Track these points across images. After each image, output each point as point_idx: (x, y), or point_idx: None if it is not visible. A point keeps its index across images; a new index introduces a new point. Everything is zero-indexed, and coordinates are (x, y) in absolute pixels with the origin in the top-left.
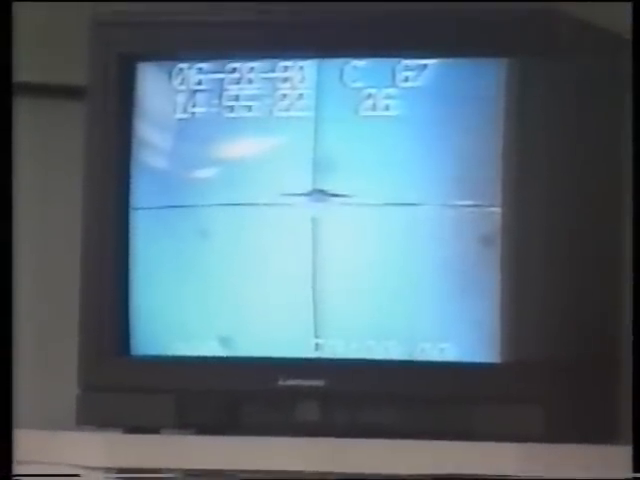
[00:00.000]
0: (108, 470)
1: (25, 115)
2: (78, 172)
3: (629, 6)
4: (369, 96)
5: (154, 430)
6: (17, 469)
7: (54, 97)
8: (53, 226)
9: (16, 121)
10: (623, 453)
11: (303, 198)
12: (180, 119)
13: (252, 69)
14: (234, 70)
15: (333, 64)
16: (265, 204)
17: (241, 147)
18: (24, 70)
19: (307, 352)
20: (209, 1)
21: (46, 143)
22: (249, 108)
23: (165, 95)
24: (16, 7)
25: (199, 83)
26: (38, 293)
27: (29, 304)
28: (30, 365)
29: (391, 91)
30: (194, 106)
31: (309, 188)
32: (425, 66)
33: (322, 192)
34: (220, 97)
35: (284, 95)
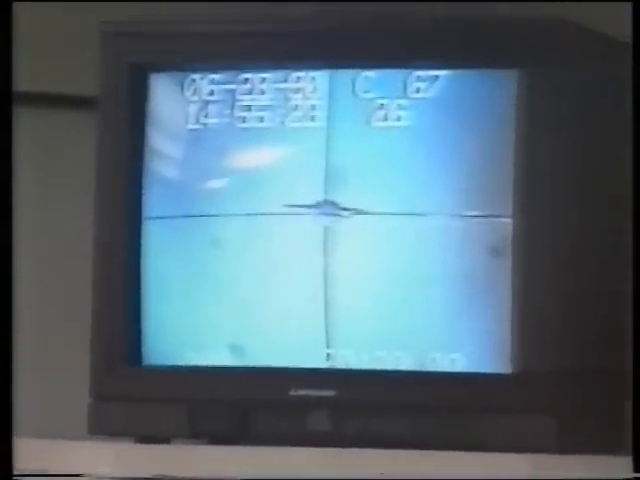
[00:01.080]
0: None
1: (31, 125)
2: (87, 182)
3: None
4: (381, 107)
5: (165, 440)
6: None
7: (61, 107)
8: (62, 234)
9: (23, 131)
10: (631, 464)
11: (315, 208)
12: (192, 129)
13: (264, 80)
14: (246, 81)
15: (345, 75)
16: (277, 214)
17: (253, 157)
18: (30, 80)
19: (318, 362)
20: (221, 1)
21: (54, 153)
22: (261, 118)
23: (177, 105)
24: (20, 14)
25: (211, 94)
26: (49, 303)
27: (41, 314)
28: (41, 374)
29: (402, 102)
30: (206, 116)
31: (321, 198)
32: (436, 77)
33: (333, 202)
34: (232, 107)
35: (296, 106)
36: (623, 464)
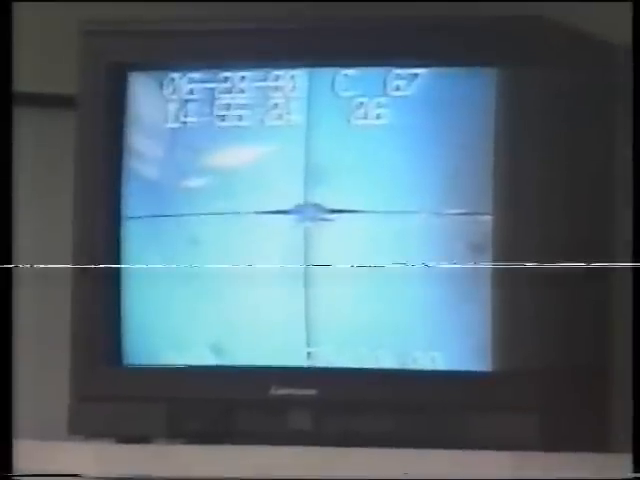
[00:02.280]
0: None
1: (18, 125)
2: (70, 181)
3: (619, 12)
4: (360, 105)
5: (146, 439)
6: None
7: (46, 106)
8: (46, 234)
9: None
10: (616, 460)
11: (294, 207)
12: (171, 128)
13: (243, 78)
14: (225, 79)
15: (324, 73)
16: (256, 213)
17: (232, 156)
18: (17, 80)
19: (299, 361)
20: (201, 1)
21: (38, 152)
22: (240, 117)
23: (156, 104)
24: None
25: (190, 92)
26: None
27: (24, 313)
28: (22, 375)
29: (382, 100)
30: (185, 115)
31: (300, 197)
32: (416, 75)
33: (313, 201)
34: (211, 106)
35: (275, 104)
36: (607, 461)
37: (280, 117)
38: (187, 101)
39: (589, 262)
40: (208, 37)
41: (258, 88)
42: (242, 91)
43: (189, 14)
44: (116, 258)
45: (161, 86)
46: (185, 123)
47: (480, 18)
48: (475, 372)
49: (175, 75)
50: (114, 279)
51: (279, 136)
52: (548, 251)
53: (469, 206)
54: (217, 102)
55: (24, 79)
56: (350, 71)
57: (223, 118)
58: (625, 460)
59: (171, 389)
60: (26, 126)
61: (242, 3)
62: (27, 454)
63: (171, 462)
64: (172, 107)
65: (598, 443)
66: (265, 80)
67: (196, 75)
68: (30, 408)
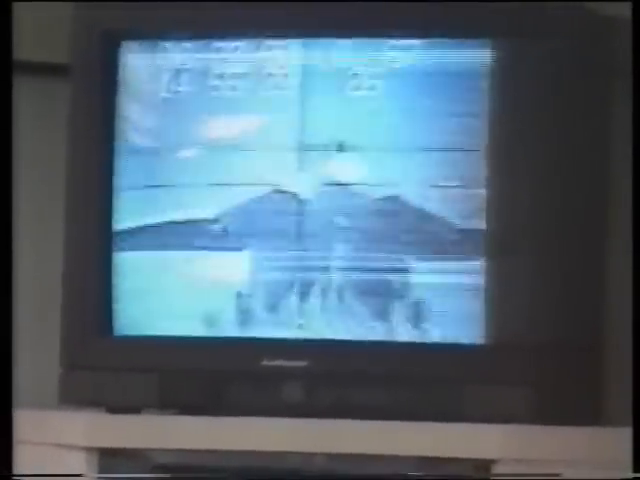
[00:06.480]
0: (90, 450)
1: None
2: (63, 150)
3: None
4: (355, 76)
5: (136, 410)
6: None
7: (39, 75)
8: (40, 210)
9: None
10: (607, 434)
11: (288, 177)
12: (164, 98)
13: (237, 48)
14: (219, 49)
15: (318, 43)
16: (250, 184)
17: (226, 127)
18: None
19: (291, 333)
20: None
21: (32, 121)
22: (234, 87)
23: (149, 74)
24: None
25: (183, 62)
26: (28, 273)
27: (21, 285)
28: (15, 345)
29: (376, 71)
30: (178, 85)
31: (294, 167)
32: (410, 46)
33: (307, 171)
34: (205, 76)
35: (269, 74)
36: (598, 434)
37: (274, 87)
38: (180, 71)
39: (584, 234)
40: (202, 7)
41: (251, 58)
42: (235, 61)
43: None
44: (108, 228)
45: (154, 55)
46: (178, 93)
47: None
48: (468, 345)
49: (168, 44)
50: (106, 249)
51: (273, 106)
52: (542, 223)
53: (462, 179)
54: (210, 72)
55: (18, 47)
56: (344, 41)
57: (216, 88)
58: (617, 434)
59: (162, 360)
60: (19, 95)
61: None
62: (16, 423)
63: (161, 433)
64: (165, 77)
65: (591, 416)
66: (259, 50)
67: (189, 44)
68: (22, 376)
